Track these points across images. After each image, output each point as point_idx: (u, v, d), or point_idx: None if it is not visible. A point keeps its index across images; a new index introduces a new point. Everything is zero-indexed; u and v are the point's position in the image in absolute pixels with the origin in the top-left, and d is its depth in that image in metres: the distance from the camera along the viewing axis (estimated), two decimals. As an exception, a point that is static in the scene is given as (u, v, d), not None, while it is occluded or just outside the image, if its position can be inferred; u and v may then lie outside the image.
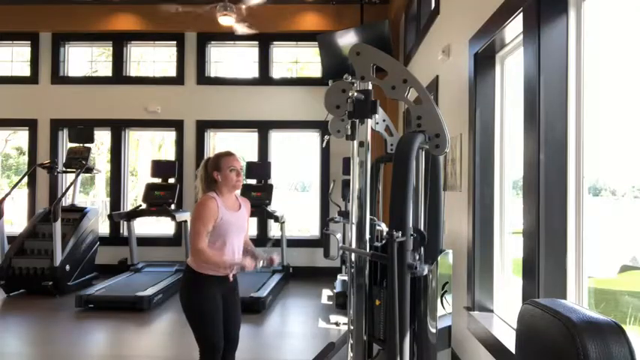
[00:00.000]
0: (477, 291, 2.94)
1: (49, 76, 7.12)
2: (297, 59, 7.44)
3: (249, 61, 7.21)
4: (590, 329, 0.93)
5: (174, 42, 7.11)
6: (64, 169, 6.25)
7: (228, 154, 2.54)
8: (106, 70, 7.48)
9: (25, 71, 7.20)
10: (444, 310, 1.65)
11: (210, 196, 2.45)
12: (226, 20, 5.93)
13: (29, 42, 7.13)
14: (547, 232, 2.07)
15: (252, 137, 7.20)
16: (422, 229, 1.71)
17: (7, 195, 5.93)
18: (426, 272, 1.59)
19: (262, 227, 6.94)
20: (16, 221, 8.29)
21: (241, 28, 5.79)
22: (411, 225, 1.48)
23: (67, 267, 5.54)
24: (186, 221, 6.43)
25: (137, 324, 4.54)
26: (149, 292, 5.06)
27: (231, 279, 2.53)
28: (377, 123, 1.99)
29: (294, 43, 7.18)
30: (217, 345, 2.45)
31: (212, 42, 7.16)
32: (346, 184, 5.84)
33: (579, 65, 2.04)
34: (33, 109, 7.06)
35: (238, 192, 2.71)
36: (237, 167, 2.52)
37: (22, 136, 8.10)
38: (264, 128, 7.09)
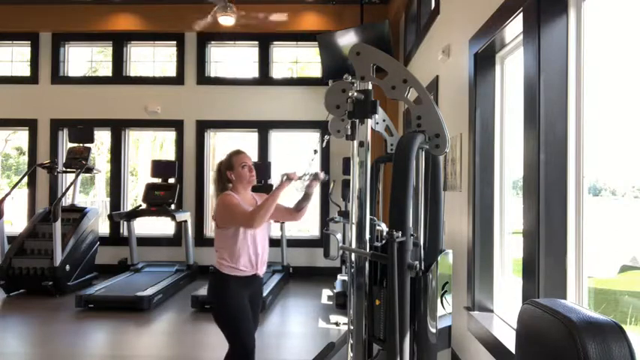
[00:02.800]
0: (477, 291, 2.94)
1: (49, 76, 7.12)
2: (297, 59, 7.43)
3: (249, 61, 7.21)
4: (590, 329, 0.93)
5: (175, 42, 7.11)
6: (64, 169, 6.25)
7: (238, 152, 2.59)
8: (105, 70, 7.48)
9: (25, 71, 7.21)
10: (444, 310, 1.65)
11: (227, 193, 2.49)
12: (226, 20, 5.93)
13: (29, 42, 7.14)
14: (547, 232, 2.07)
15: (252, 137, 7.20)
16: (422, 229, 1.71)
17: (7, 195, 5.93)
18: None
19: (262, 227, 6.93)
20: (16, 221, 8.29)
21: (230, 19, 5.77)
22: (410, 225, 1.48)
23: (67, 267, 5.53)
24: (186, 221, 6.43)
25: (137, 324, 4.54)
26: (149, 292, 5.06)
27: (260, 274, 2.54)
28: (377, 123, 1.99)
29: (294, 43, 7.18)
30: (248, 345, 2.44)
31: (212, 42, 7.16)
32: (346, 184, 5.84)
33: (579, 65, 2.04)
34: (33, 109, 7.07)
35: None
36: (248, 163, 2.56)
37: (22, 136, 8.10)
38: (264, 128, 7.10)
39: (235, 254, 2.45)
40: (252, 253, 2.49)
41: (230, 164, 2.54)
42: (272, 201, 2.39)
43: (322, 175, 2.56)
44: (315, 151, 2.06)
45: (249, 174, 2.54)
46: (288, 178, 2.46)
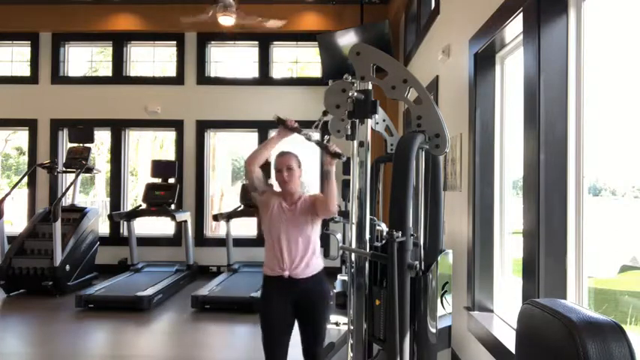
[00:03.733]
0: (477, 291, 2.94)
1: (49, 76, 7.12)
2: (297, 59, 7.43)
3: (249, 61, 7.21)
4: (590, 329, 0.93)
5: (175, 42, 7.11)
6: (64, 169, 6.25)
7: (279, 155, 2.56)
8: (105, 70, 7.48)
9: (25, 71, 7.21)
10: (444, 310, 1.65)
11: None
12: (226, 20, 5.93)
13: (29, 42, 7.14)
14: (547, 232, 2.07)
15: (252, 137, 7.20)
16: (422, 229, 1.71)
17: (7, 195, 5.93)
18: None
19: (262, 227, 6.93)
20: (16, 221, 8.29)
21: (236, 19, 5.77)
22: (410, 225, 1.48)
23: (67, 267, 5.53)
24: (186, 221, 6.42)
25: (137, 324, 4.54)
26: (149, 292, 5.06)
27: (286, 274, 2.36)
28: (377, 123, 1.99)
29: (294, 43, 7.18)
30: (268, 353, 2.36)
31: (212, 42, 7.16)
32: (346, 184, 5.84)
33: (579, 65, 2.04)
34: (33, 109, 7.07)
35: (306, 191, 2.65)
36: (280, 167, 2.50)
37: (22, 136, 8.10)
38: (264, 128, 7.09)
39: (266, 250, 2.43)
40: (277, 251, 2.38)
41: (274, 165, 2.53)
42: (264, 144, 2.47)
43: (336, 149, 2.33)
44: (326, 112, 1.83)
45: (281, 178, 2.48)
46: (280, 121, 2.29)
